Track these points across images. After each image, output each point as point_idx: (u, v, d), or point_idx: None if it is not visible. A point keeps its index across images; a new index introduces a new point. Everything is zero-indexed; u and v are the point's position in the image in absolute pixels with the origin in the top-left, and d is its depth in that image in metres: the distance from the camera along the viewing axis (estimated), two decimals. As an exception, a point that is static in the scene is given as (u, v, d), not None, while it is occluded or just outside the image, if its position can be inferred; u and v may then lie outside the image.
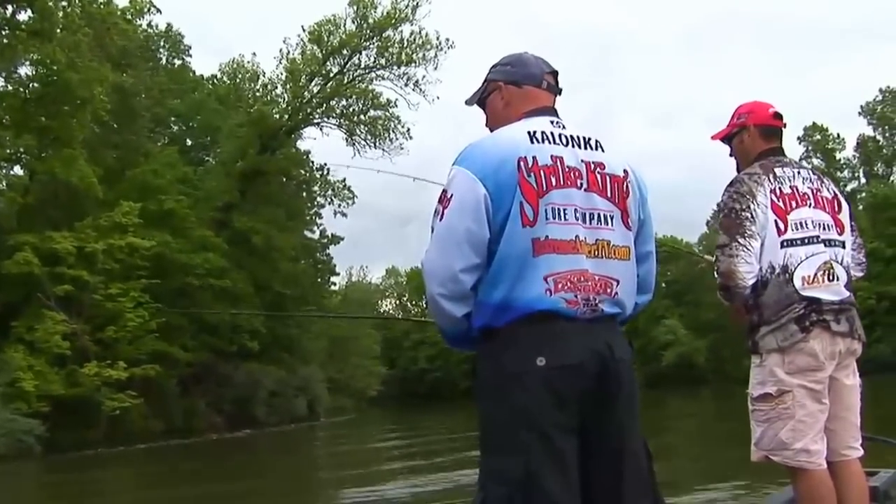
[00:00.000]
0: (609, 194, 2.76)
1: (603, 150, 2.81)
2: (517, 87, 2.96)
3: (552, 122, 2.83)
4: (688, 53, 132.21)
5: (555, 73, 3.02)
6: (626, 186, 2.80)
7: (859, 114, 67.27)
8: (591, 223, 2.71)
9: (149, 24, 45.78)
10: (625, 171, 2.82)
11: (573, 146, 2.77)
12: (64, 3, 31.98)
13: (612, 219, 2.75)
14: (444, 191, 2.73)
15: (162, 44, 48.76)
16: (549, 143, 2.74)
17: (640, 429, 2.79)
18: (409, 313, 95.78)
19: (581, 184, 2.71)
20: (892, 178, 67.31)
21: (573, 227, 2.67)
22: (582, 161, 2.74)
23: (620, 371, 2.68)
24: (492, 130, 2.95)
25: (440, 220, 2.70)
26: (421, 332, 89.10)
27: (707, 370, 67.01)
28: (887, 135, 67.78)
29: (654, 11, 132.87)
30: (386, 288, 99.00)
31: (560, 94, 3.02)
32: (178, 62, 50.00)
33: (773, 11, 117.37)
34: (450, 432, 28.74)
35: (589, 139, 2.81)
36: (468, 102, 3.15)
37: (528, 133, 2.74)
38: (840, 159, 67.77)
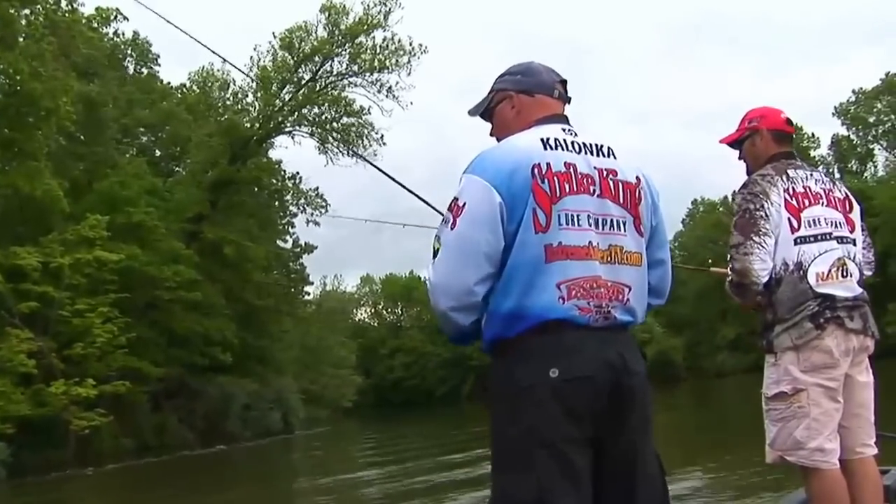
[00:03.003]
0: (621, 200, 2.75)
1: (615, 158, 2.80)
2: (529, 95, 2.94)
3: (564, 130, 2.81)
4: (662, 56, 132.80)
5: (564, 82, 3.02)
6: (639, 193, 2.80)
7: (833, 114, 68.17)
8: (603, 229, 2.69)
9: (115, 33, 45.45)
10: (637, 177, 2.81)
11: (585, 153, 2.75)
12: (27, 11, 31.15)
13: (624, 225, 2.74)
14: (455, 199, 2.67)
15: (129, 52, 48.00)
16: (563, 149, 2.72)
17: (653, 442, 2.75)
18: (384, 321, 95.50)
19: (594, 190, 2.70)
20: (865, 175, 68.06)
21: (586, 233, 2.65)
22: (594, 168, 2.73)
23: (634, 384, 2.65)
24: (499, 140, 2.94)
25: (451, 229, 2.65)
26: (397, 339, 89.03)
27: (683, 367, 67.12)
28: (860, 134, 68.79)
29: (629, 14, 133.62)
30: (361, 296, 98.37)
31: (570, 102, 3.00)
32: (145, 71, 49.24)
33: (748, 14, 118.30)
34: (428, 444, 28.41)
35: (601, 146, 2.80)
36: (472, 113, 3.10)
37: (542, 140, 2.72)
38: (815, 157, 68.36)
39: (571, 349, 2.59)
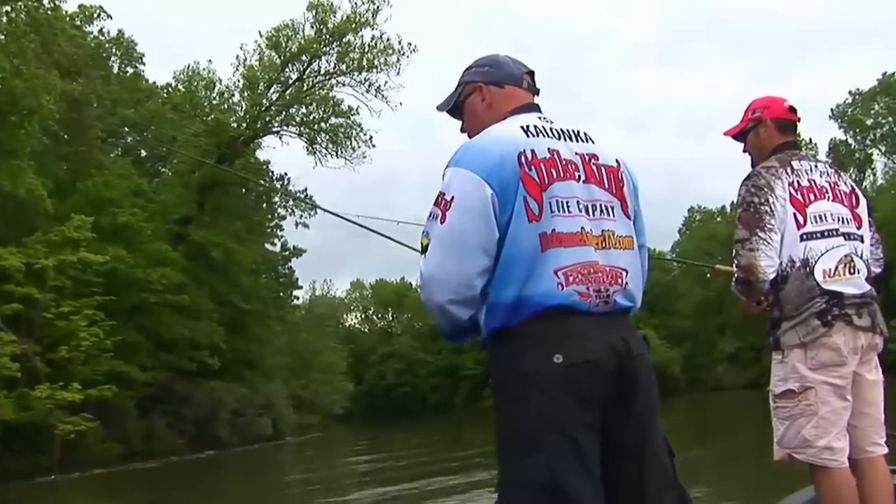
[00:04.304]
0: (607, 185, 2.76)
1: (593, 142, 2.81)
2: (499, 87, 2.94)
3: (540, 118, 2.82)
4: (659, 60, 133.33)
5: (532, 73, 3.02)
6: (621, 176, 2.80)
7: (830, 117, 67.71)
8: (594, 214, 2.69)
9: (99, 31, 44.78)
10: (617, 161, 2.82)
11: (565, 139, 2.76)
12: (7, 8, 30.56)
13: (612, 209, 2.74)
14: (442, 193, 2.64)
15: (114, 51, 47.39)
16: (544, 136, 2.72)
17: (659, 424, 2.74)
18: (374, 326, 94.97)
19: (579, 176, 2.70)
20: (864, 184, 67.14)
21: (578, 219, 2.64)
22: (576, 153, 2.74)
23: (637, 366, 2.64)
24: (471, 135, 2.91)
25: (441, 223, 2.62)
26: (388, 345, 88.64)
27: (682, 379, 66.77)
28: (858, 138, 68.30)
29: (623, 19, 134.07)
30: (351, 301, 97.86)
31: (538, 93, 3.00)
32: (130, 70, 48.60)
33: (745, 18, 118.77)
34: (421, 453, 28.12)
35: (578, 132, 2.82)
36: (440, 108, 3.10)
37: (521, 127, 2.72)
38: (813, 164, 68.19)
39: (574, 335, 2.58)
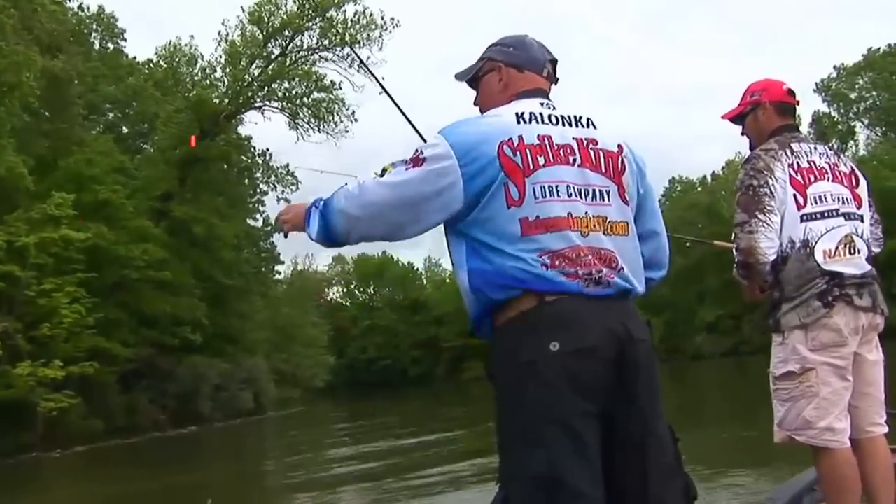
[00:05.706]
0: (604, 169, 2.69)
1: (595, 127, 2.76)
2: (518, 70, 2.89)
3: (542, 104, 2.76)
4: (642, 33, 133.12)
5: (555, 62, 2.97)
6: (622, 161, 2.75)
7: (814, 90, 67.52)
8: (586, 199, 2.63)
9: (79, 7, 44.68)
10: (619, 146, 2.76)
11: (563, 125, 2.72)
12: (-16, -17, 30.34)
13: (608, 194, 2.68)
14: (421, 150, 2.63)
15: (94, 27, 47.12)
16: (537, 122, 2.68)
17: (663, 411, 2.68)
18: (356, 301, 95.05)
19: (573, 160, 2.65)
20: (847, 154, 67.18)
21: (565, 204, 2.59)
22: (573, 138, 2.69)
23: (638, 352, 2.59)
24: (482, 110, 2.90)
25: (405, 169, 2.62)
26: (370, 319, 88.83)
27: (660, 349, 67.08)
28: (842, 111, 68.12)
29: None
30: (333, 276, 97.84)
31: (557, 83, 2.95)
32: (111, 46, 48.34)
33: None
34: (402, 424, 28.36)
35: (580, 117, 2.76)
36: (459, 77, 3.05)
37: (516, 114, 2.68)
38: (796, 134, 68.24)
39: (571, 320, 2.53)
